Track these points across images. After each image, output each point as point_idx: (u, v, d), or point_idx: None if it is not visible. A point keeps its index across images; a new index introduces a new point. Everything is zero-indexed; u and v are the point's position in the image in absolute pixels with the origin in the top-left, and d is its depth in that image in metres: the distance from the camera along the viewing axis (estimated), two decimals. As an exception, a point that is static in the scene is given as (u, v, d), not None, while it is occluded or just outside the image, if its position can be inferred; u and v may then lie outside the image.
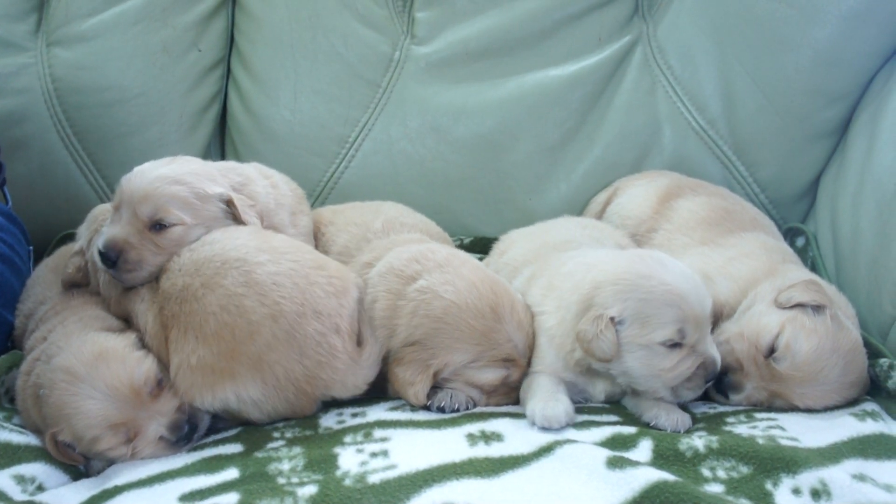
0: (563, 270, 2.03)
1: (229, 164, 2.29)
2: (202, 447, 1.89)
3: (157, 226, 2.02)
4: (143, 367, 1.88)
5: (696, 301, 1.88)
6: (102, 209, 2.26)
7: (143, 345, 1.99)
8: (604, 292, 1.88)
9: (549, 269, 2.10)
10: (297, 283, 1.93)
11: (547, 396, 1.90)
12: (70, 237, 2.64)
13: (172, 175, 2.05)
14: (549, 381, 1.97)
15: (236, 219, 2.10)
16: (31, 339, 2.10)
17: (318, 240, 2.45)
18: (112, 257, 2.01)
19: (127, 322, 2.11)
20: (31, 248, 2.50)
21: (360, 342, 2.02)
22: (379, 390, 2.06)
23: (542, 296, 2.04)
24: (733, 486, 1.62)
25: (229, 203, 2.09)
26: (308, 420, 1.95)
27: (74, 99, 2.85)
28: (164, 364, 1.95)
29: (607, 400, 2.03)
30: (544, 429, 1.83)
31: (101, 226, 2.12)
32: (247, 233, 2.05)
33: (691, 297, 1.87)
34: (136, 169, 2.09)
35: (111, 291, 2.13)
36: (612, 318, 1.85)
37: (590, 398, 2.03)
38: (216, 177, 2.13)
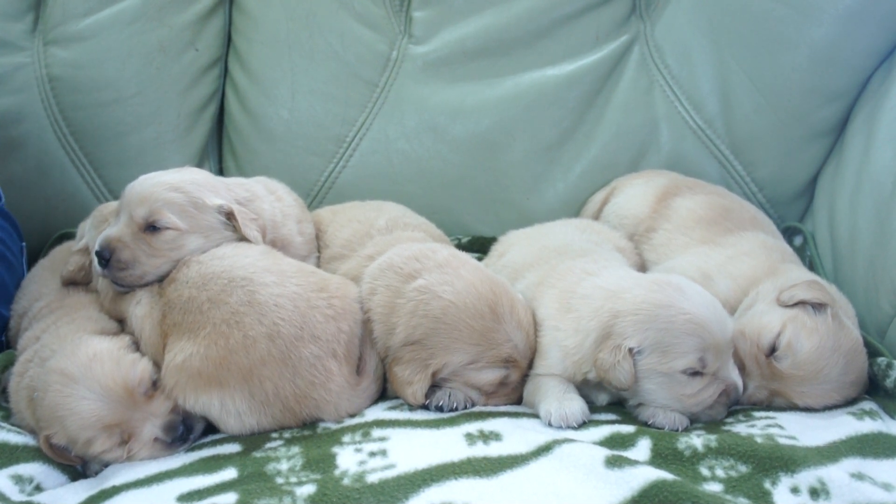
0: (581, 292, 2.01)
1: (238, 180, 2.32)
2: (200, 447, 1.89)
3: (151, 228, 2.04)
4: (137, 368, 1.88)
5: (718, 329, 1.86)
6: (108, 207, 2.27)
7: (137, 348, 1.99)
8: (623, 322, 1.87)
9: (562, 282, 2.08)
10: (299, 306, 1.93)
11: (560, 396, 1.91)
12: (67, 236, 2.65)
13: (172, 182, 2.08)
14: (559, 382, 1.97)
15: (237, 231, 2.11)
16: (24, 337, 2.11)
17: (319, 238, 2.45)
18: (106, 256, 2.03)
19: (120, 323, 2.11)
20: (24, 244, 2.50)
21: (360, 368, 2.03)
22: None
23: (558, 311, 2.03)
24: (732, 485, 1.62)
25: (230, 216, 2.10)
26: (306, 420, 1.96)
27: (71, 98, 2.84)
28: (159, 367, 1.95)
29: (608, 404, 2.03)
30: (560, 428, 1.84)
31: (107, 223, 2.14)
32: (257, 252, 2.06)
33: (712, 325, 1.85)
34: (141, 176, 2.11)
35: (108, 290, 2.13)
36: (630, 349, 1.85)
37: (592, 402, 2.02)
38: (219, 189, 2.14)
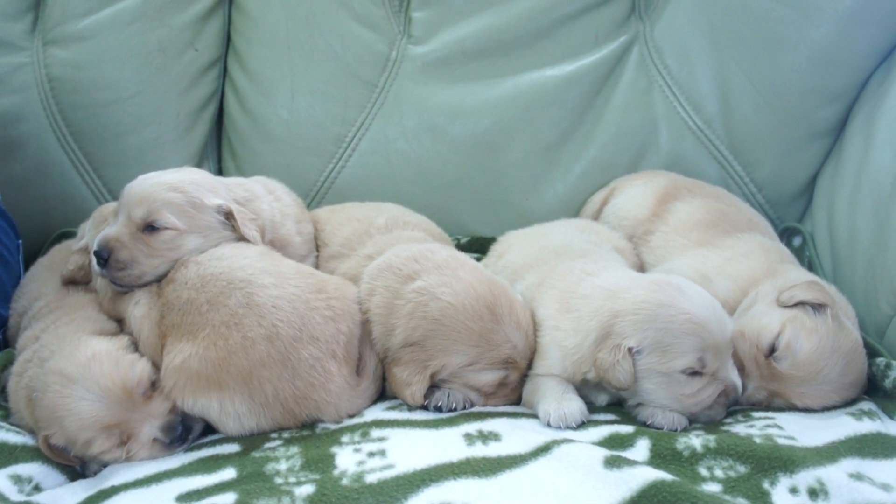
0: (581, 292, 2.01)
1: (237, 180, 2.32)
2: (199, 447, 1.89)
3: (149, 228, 2.04)
4: (136, 368, 1.88)
5: (717, 329, 1.87)
6: (109, 207, 2.27)
7: (136, 348, 1.99)
8: (623, 322, 1.88)
9: (561, 282, 2.08)
10: (297, 307, 1.94)
11: (559, 396, 1.91)
12: (66, 235, 2.65)
13: (171, 182, 2.08)
14: (557, 382, 1.97)
15: (236, 231, 2.11)
16: (23, 336, 2.11)
17: (316, 237, 2.45)
18: (104, 256, 2.03)
19: (119, 323, 2.11)
20: (21, 241, 2.50)
21: (359, 368, 2.03)
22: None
23: (558, 311, 2.03)
24: (731, 486, 1.62)
25: (229, 215, 2.10)
26: (305, 420, 1.95)
27: (70, 98, 2.84)
28: (157, 367, 1.95)
29: (608, 404, 2.03)
30: (559, 428, 1.84)
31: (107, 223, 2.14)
32: (255, 253, 2.06)
33: (712, 325, 1.86)
34: (139, 176, 2.12)
35: (106, 290, 2.13)
36: (629, 349, 1.85)
37: (591, 402, 2.02)
38: (218, 189, 2.14)
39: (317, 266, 2.35)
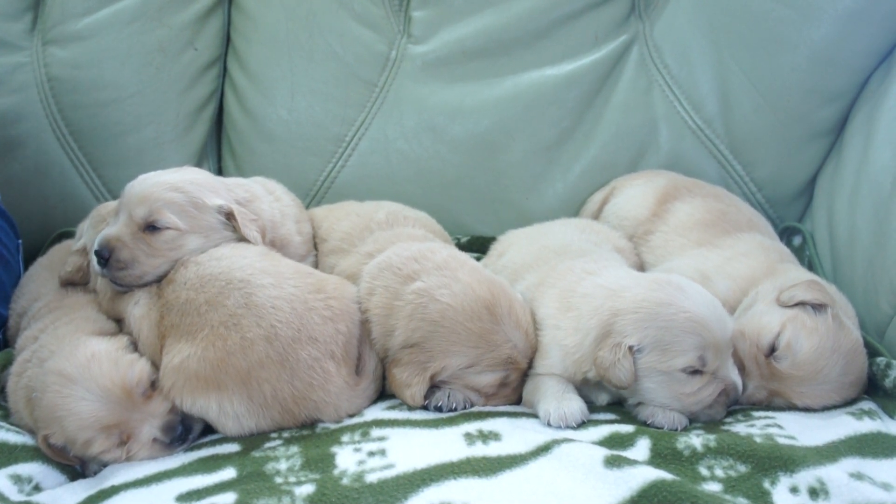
0: (581, 290, 2.01)
1: (238, 181, 2.32)
2: (199, 447, 1.89)
3: (151, 227, 2.04)
4: (135, 368, 1.88)
5: (718, 327, 1.87)
6: (107, 207, 2.27)
7: (135, 348, 1.99)
8: (623, 320, 1.87)
9: (562, 281, 2.08)
10: (296, 308, 1.93)
11: (559, 396, 1.91)
12: (66, 235, 2.65)
13: (172, 182, 2.08)
14: (557, 382, 1.97)
15: (237, 232, 2.11)
16: (22, 336, 2.11)
17: (315, 234, 2.45)
18: (105, 255, 2.03)
19: (119, 323, 2.11)
20: (20, 241, 2.50)
21: (359, 368, 2.03)
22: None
23: (558, 310, 2.03)
24: (731, 485, 1.62)
25: (230, 216, 2.10)
26: (305, 420, 1.95)
27: (70, 98, 2.84)
28: (157, 367, 1.95)
29: (608, 404, 2.03)
30: (559, 428, 1.84)
31: (106, 223, 2.14)
32: (255, 253, 2.06)
33: (712, 323, 1.86)
34: (140, 176, 2.11)
35: (106, 289, 2.13)
36: (630, 347, 1.85)
37: (592, 402, 2.02)
38: (219, 189, 2.14)
39: (316, 265, 2.35)
